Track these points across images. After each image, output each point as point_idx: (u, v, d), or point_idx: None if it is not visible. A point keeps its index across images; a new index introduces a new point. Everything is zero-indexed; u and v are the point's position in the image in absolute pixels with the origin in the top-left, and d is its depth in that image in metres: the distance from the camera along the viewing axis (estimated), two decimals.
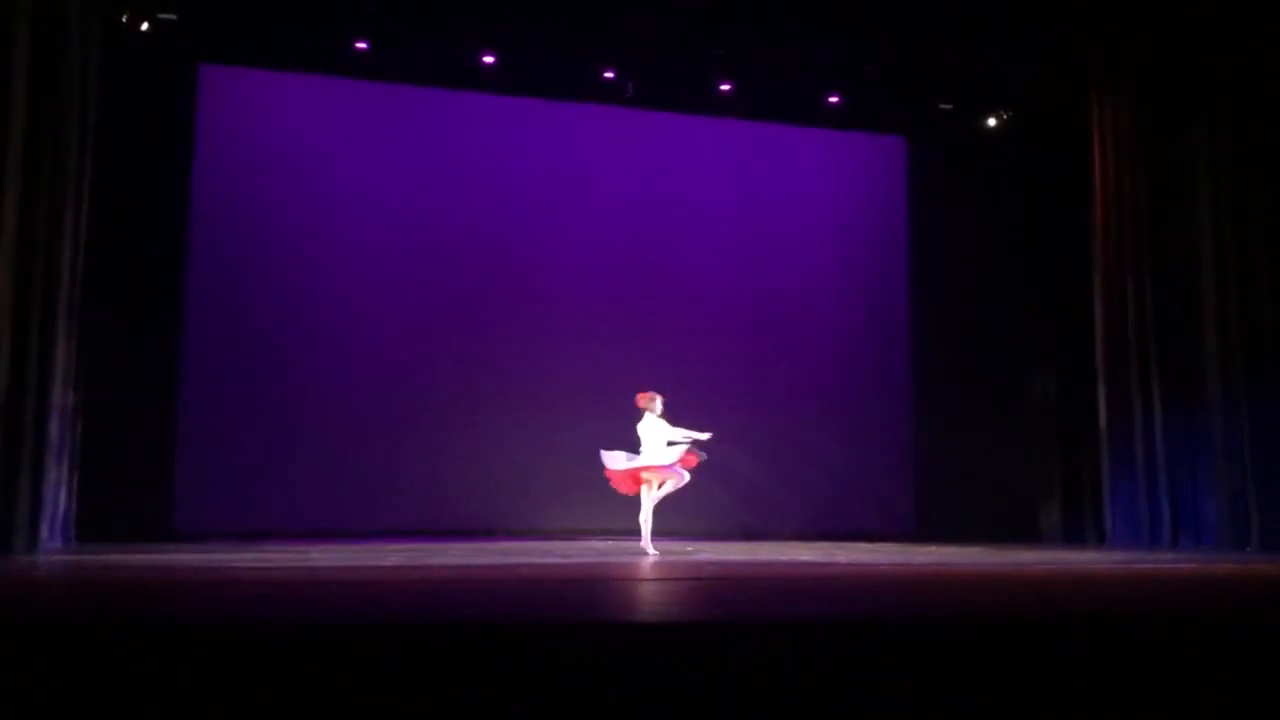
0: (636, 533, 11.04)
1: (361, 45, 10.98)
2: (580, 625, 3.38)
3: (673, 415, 11.89)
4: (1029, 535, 11.76)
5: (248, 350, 10.85)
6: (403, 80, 11.50)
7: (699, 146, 12.49)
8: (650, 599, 4.50)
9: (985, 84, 12.32)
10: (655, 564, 6.99)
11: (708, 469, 11.80)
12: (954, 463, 11.95)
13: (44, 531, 8.11)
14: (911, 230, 12.80)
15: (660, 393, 11.73)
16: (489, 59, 11.30)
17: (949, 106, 12.58)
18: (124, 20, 10.08)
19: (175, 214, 10.68)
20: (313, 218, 11.23)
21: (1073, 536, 11.62)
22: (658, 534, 10.86)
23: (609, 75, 11.69)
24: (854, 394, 12.37)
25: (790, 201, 12.61)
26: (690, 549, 9.08)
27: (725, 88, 11.94)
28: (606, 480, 7.96)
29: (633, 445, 8.12)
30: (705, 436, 7.93)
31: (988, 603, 4.40)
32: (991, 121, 12.74)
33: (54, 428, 8.24)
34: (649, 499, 7.92)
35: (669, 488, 7.95)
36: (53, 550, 8.13)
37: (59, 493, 8.55)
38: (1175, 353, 10.36)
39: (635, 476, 7.91)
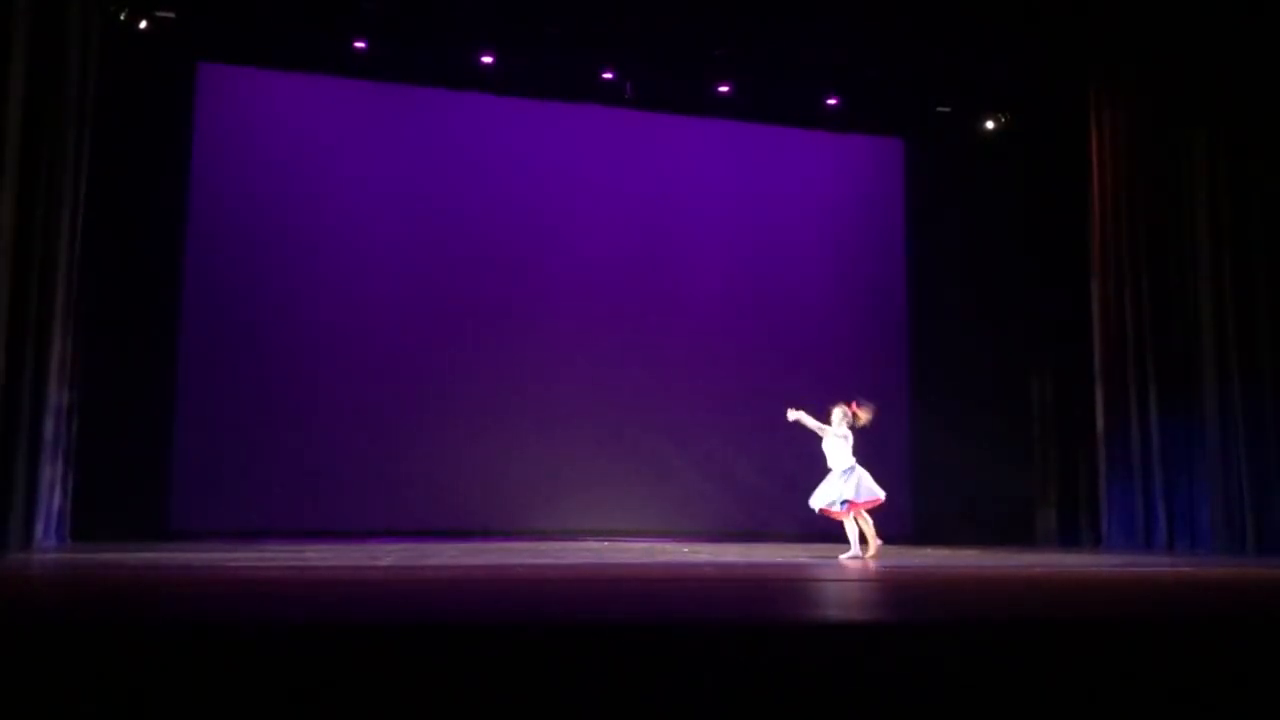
0: (632, 533, 11.07)
1: (360, 45, 10.97)
2: (575, 625, 3.37)
3: (671, 415, 11.92)
4: (1025, 538, 11.77)
5: (243, 349, 10.83)
6: (401, 80, 11.48)
7: (697, 148, 12.49)
8: (644, 600, 4.49)
9: (983, 86, 12.33)
10: (652, 565, 6.98)
11: (706, 469, 11.86)
12: (951, 465, 11.95)
13: (38, 530, 8.10)
14: (909, 232, 12.80)
15: (658, 394, 11.76)
16: (488, 59, 11.30)
17: (947, 109, 12.59)
18: (122, 18, 10.07)
19: (173, 212, 10.66)
20: (309, 217, 11.22)
21: (1068, 539, 11.64)
22: (656, 534, 10.84)
23: (608, 76, 11.69)
24: (851, 395, 12.32)
25: (788, 203, 12.61)
26: (686, 550, 9.07)
27: (724, 89, 11.94)
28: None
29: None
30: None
31: (983, 606, 4.39)
32: (989, 124, 12.75)
33: (49, 425, 8.23)
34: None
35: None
36: (47, 549, 8.11)
37: (54, 491, 8.54)
38: (1172, 356, 10.37)
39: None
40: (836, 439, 7.98)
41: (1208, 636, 3.34)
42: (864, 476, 7.89)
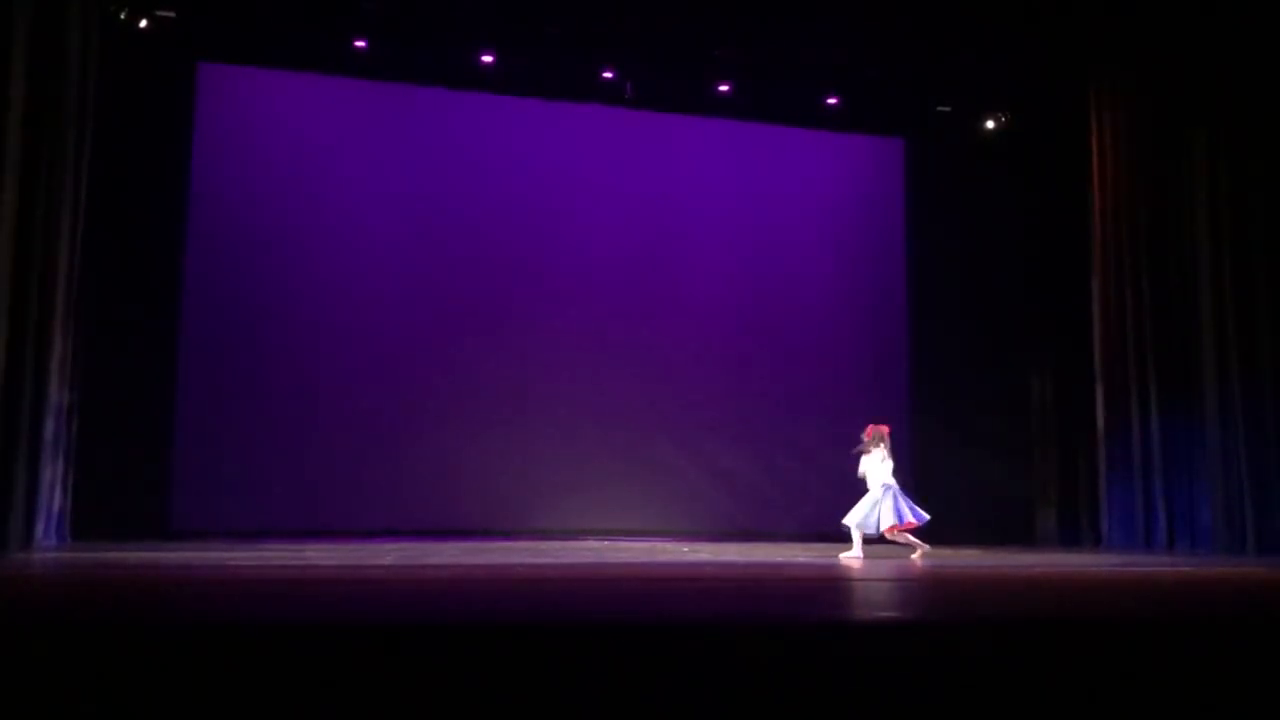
0: (632, 533, 11.09)
1: (360, 44, 10.97)
2: (575, 625, 3.37)
3: (671, 415, 11.92)
4: (1025, 538, 11.76)
5: (244, 348, 10.83)
6: (401, 79, 11.47)
7: (697, 147, 12.48)
8: (643, 600, 4.49)
9: (983, 86, 12.33)
10: (652, 565, 6.98)
11: (706, 469, 11.87)
12: (951, 465, 11.94)
13: (39, 529, 8.10)
14: (909, 232, 12.80)
15: (658, 394, 11.77)
16: (488, 58, 11.29)
17: (947, 108, 12.58)
18: (122, 18, 10.07)
19: (173, 212, 10.65)
20: (309, 216, 11.21)
21: (1069, 539, 11.64)
22: (656, 534, 10.85)
23: (608, 75, 11.69)
24: (852, 395, 12.34)
25: (788, 203, 12.60)
26: (687, 549, 9.07)
27: (724, 89, 11.94)
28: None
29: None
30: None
31: (983, 605, 4.39)
32: (990, 124, 12.74)
33: (50, 425, 8.23)
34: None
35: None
36: (47, 548, 8.12)
37: (54, 490, 8.54)
38: (1172, 356, 10.37)
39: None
40: (873, 462, 8.05)
41: (1208, 636, 3.34)
42: (900, 501, 7.95)
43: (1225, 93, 9.96)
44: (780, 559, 7.75)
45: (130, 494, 9.87)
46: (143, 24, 10.27)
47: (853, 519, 8.00)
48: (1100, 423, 11.08)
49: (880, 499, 7.95)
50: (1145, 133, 10.75)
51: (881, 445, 8.13)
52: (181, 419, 10.48)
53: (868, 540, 8.07)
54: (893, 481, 8.04)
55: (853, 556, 7.77)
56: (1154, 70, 10.66)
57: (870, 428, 8.27)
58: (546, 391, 11.50)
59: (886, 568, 6.92)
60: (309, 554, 7.35)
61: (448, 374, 11.34)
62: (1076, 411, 11.66)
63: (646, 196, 12.20)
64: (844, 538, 8.04)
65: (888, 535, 8.07)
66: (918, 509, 8.00)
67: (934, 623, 3.69)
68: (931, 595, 4.95)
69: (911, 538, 8.08)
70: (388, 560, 6.75)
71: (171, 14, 10.37)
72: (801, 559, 7.84)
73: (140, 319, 10.28)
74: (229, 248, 10.86)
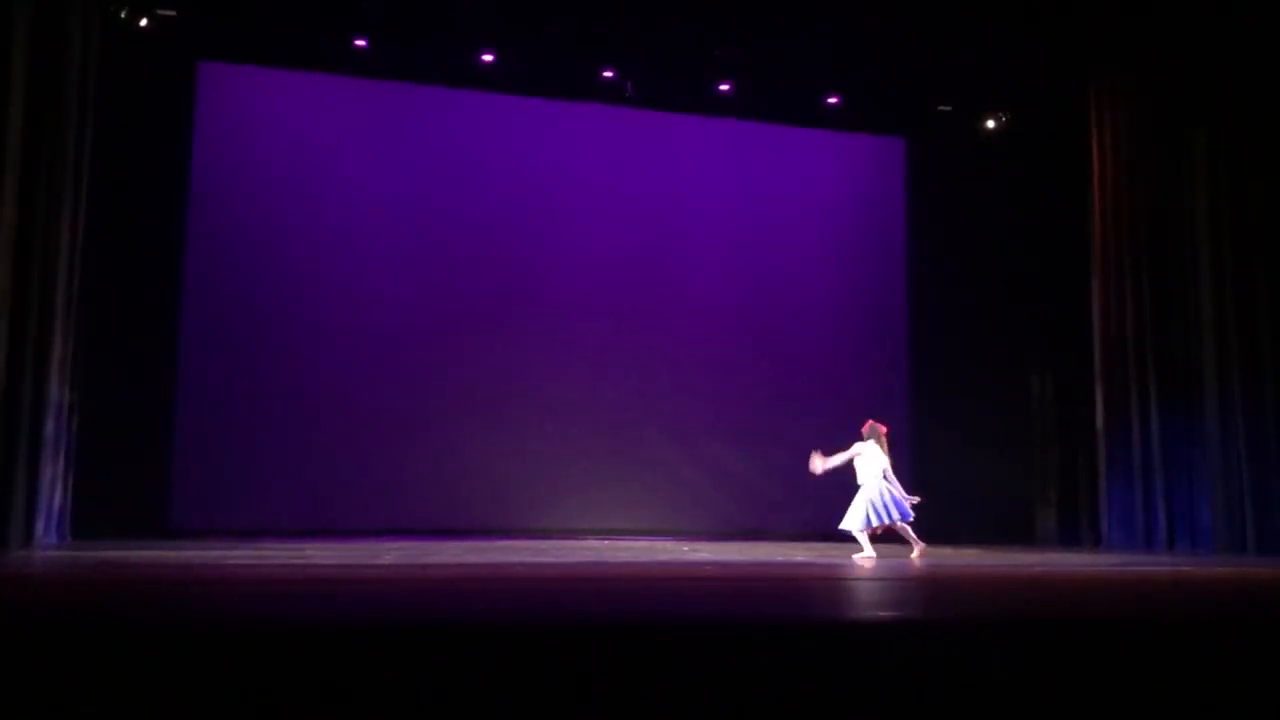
0: (632, 533, 11.09)
1: (361, 43, 10.97)
2: (576, 625, 3.37)
3: (672, 415, 11.92)
4: (1025, 538, 11.76)
5: (243, 347, 10.83)
6: (402, 78, 11.47)
7: (697, 147, 12.48)
8: (643, 600, 4.49)
9: (983, 86, 12.33)
10: (652, 565, 6.98)
11: (706, 469, 11.87)
12: (951, 464, 11.93)
13: (39, 527, 8.11)
14: (910, 231, 12.79)
15: (658, 393, 11.80)
16: (488, 58, 11.30)
17: (948, 108, 12.58)
18: (123, 16, 10.07)
19: (173, 211, 10.65)
20: (309, 215, 11.21)
21: (1068, 539, 11.64)
22: (656, 534, 10.86)
23: (608, 75, 11.69)
24: (852, 396, 12.34)
25: (789, 202, 12.60)
26: (687, 549, 9.07)
27: (725, 88, 11.94)
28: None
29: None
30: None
31: (983, 605, 4.39)
32: (990, 123, 12.74)
33: (50, 424, 8.23)
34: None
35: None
36: (48, 546, 8.12)
37: (54, 489, 8.54)
38: (1172, 356, 10.37)
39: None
40: (865, 454, 8.12)
41: (1208, 636, 3.34)
42: (886, 496, 7.96)
43: (1225, 93, 9.96)
44: (780, 559, 7.76)
45: (130, 493, 9.86)
46: (143, 23, 10.26)
47: (850, 524, 7.99)
48: (1100, 423, 11.08)
49: (870, 496, 7.96)
50: (1145, 133, 10.75)
51: (874, 440, 8.17)
52: (181, 419, 10.48)
53: (874, 538, 8.06)
54: (879, 475, 8.04)
55: (866, 556, 7.78)
56: (1154, 70, 10.66)
57: (869, 423, 8.32)
58: (547, 391, 11.50)
59: (886, 567, 6.92)
60: (309, 553, 7.35)
61: (448, 373, 11.33)
62: (1076, 411, 11.66)
63: (647, 196, 12.20)
64: (843, 537, 8.03)
65: (894, 529, 8.09)
66: (904, 506, 8.01)
67: (934, 623, 3.69)
68: (931, 595, 4.95)
69: (912, 534, 8.08)
70: (388, 560, 6.75)
71: (172, 13, 10.36)
72: (801, 559, 7.85)
73: (140, 318, 10.28)
74: (229, 248, 10.85)
